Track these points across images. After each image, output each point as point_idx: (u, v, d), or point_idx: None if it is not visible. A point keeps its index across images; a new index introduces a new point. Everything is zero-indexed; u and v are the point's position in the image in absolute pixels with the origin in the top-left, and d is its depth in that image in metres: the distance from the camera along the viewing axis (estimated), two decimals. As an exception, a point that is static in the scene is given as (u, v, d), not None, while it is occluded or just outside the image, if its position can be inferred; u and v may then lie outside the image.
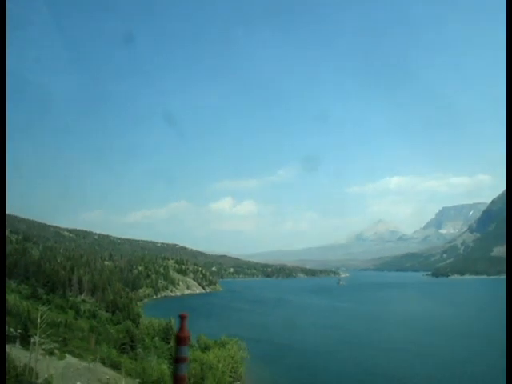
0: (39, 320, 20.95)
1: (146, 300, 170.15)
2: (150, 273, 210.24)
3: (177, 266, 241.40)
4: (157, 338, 64.19)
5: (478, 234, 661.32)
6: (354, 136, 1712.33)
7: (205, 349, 58.68)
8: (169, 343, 61.98)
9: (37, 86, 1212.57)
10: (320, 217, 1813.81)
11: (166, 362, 47.11)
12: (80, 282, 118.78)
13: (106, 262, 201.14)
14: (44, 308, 32.28)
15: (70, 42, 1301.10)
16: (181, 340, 4.80)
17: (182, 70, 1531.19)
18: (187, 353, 4.78)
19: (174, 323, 73.83)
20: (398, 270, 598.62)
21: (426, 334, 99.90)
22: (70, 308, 79.75)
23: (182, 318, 4.96)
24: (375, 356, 75.76)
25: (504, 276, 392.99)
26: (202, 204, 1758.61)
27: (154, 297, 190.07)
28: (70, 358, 40.82)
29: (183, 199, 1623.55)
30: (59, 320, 58.75)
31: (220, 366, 47.62)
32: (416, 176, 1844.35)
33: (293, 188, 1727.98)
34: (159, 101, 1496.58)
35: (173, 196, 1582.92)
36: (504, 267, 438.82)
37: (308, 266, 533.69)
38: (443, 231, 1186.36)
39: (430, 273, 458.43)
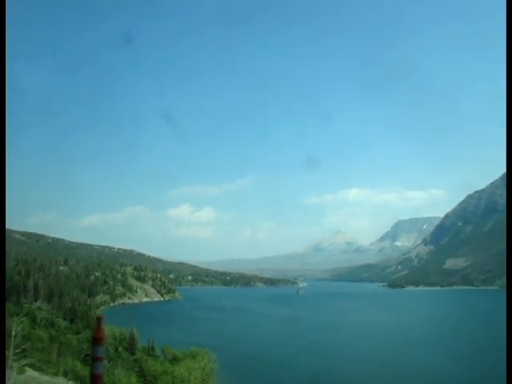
0: (13, 332, 19.04)
1: (102, 307, 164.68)
2: (107, 279, 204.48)
3: (135, 272, 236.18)
4: (121, 349, 61.68)
5: (432, 247, 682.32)
6: (316, 148, 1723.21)
7: (173, 360, 56.85)
8: (134, 354, 59.68)
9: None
10: (278, 226, 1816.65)
11: (134, 374, 45.08)
12: (35, 287, 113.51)
13: (61, 267, 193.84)
14: (20, 318, 29.82)
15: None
16: (97, 340, 5.40)
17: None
18: (102, 353, 5.38)
19: (137, 332, 71.73)
20: (354, 281, 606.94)
21: (384, 343, 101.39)
22: (26, 316, 75.63)
23: (98, 319, 5.51)
24: (337, 366, 76.20)
25: (456, 287, 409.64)
26: (159, 210, 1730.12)
27: (112, 304, 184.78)
28: (30, 372, 38.31)
29: (140, 204, 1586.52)
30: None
31: (192, 377, 46.21)
32: (373, 188, 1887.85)
33: (251, 197, 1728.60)
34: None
35: (129, 200, 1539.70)
36: (456, 279, 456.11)
37: (266, 275, 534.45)
38: (398, 243, 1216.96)
39: (385, 284, 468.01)
